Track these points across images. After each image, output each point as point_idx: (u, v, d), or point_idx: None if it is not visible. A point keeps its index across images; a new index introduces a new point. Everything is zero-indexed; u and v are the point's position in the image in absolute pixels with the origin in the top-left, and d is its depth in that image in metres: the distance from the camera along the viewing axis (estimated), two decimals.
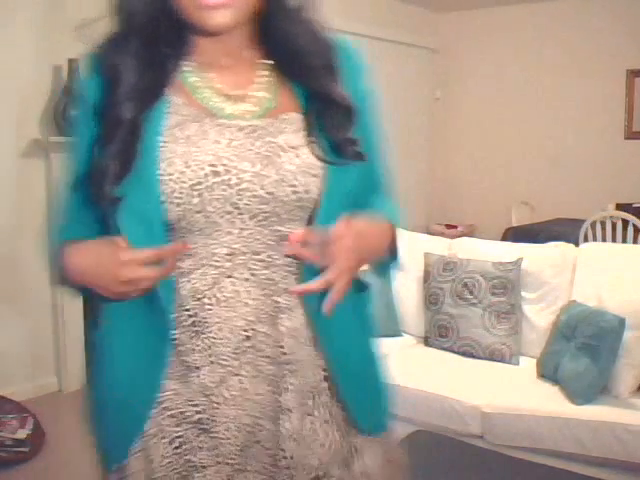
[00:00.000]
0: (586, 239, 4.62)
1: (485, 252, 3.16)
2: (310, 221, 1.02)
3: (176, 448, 1.02)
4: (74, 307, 3.87)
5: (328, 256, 0.95)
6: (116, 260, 0.95)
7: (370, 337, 1.14)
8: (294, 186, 0.99)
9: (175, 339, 1.01)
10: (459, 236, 3.99)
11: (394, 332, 3.24)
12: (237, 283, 1.01)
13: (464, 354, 2.99)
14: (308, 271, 1.00)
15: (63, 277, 1.06)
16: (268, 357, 1.01)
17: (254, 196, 0.98)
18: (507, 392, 2.62)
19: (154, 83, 1.00)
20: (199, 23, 0.98)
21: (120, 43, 1.00)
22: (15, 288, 3.68)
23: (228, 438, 1.01)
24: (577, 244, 3.29)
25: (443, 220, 6.43)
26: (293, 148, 1.01)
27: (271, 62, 1.07)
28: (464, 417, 2.55)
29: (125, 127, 0.98)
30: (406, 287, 3.29)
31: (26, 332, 3.74)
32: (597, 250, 3.13)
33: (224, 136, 1.00)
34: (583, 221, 4.79)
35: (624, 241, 4.53)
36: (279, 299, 1.02)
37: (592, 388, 2.47)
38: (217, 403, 1.01)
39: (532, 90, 6.06)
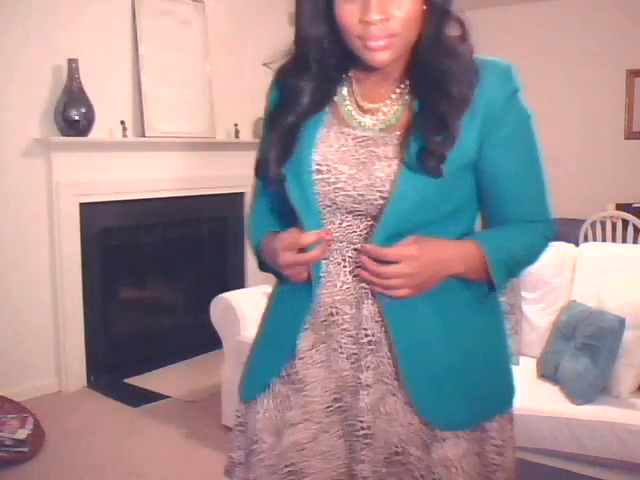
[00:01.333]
0: (586, 239, 4.62)
1: None
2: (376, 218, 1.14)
3: (277, 404, 1.22)
4: (74, 307, 3.87)
5: (381, 276, 1.10)
6: (276, 248, 1.16)
7: (470, 338, 1.19)
8: (381, 191, 1.12)
9: None
10: None
11: None
12: (331, 265, 1.18)
13: None
14: None
15: (261, 262, 1.28)
16: (351, 336, 1.16)
17: (348, 195, 1.14)
18: None
19: (317, 100, 1.19)
20: (365, 60, 1.13)
21: (298, 66, 1.19)
22: (15, 288, 3.69)
23: (315, 397, 1.19)
24: (577, 244, 3.28)
25: None
26: (388, 159, 1.13)
27: (408, 85, 1.18)
28: None
29: (287, 128, 1.18)
30: None
31: (26, 332, 3.74)
32: (597, 250, 3.12)
33: (338, 142, 1.17)
34: (583, 221, 4.78)
35: (624, 241, 4.53)
36: (366, 285, 1.15)
37: (592, 388, 2.47)
38: (308, 365, 1.20)
39: (532, 90, 6.04)
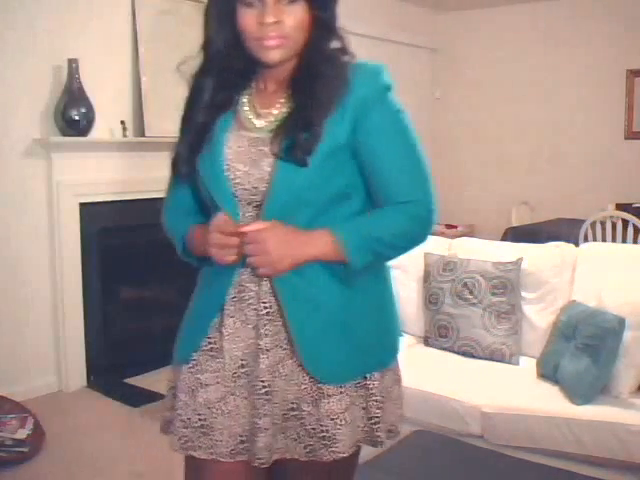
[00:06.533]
0: (586, 239, 4.63)
1: (485, 252, 3.16)
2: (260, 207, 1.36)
3: (190, 368, 1.41)
4: (74, 307, 3.87)
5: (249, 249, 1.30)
6: (209, 229, 1.33)
7: (362, 302, 1.38)
8: (269, 182, 1.32)
9: None
10: (459, 236, 3.98)
11: None
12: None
13: (464, 354, 2.99)
14: None
15: (184, 250, 1.48)
16: (254, 309, 1.35)
17: (244, 189, 1.35)
18: (507, 392, 2.62)
19: (224, 100, 1.38)
20: (261, 58, 1.33)
21: (204, 68, 1.38)
22: (15, 288, 3.69)
23: (227, 364, 1.37)
24: (577, 244, 3.29)
25: (443, 220, 6.43)
26: (274, 155, 1.32)
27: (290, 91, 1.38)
28: (464, 417, 2.55)
29: (197, 127, 1.37)
30: (406, 287, 3.28)
31: (26, 332, 3.74)
32: (597, 250, 3.13)
33: (236, 143, 1.37)
34: (583, 221, 4.79)
35: (624, 241, 4.53)
36: None
37: (592, 388, 2.47)
38: (222, 337, 1.37)
39: (532, 90, 6.07)
